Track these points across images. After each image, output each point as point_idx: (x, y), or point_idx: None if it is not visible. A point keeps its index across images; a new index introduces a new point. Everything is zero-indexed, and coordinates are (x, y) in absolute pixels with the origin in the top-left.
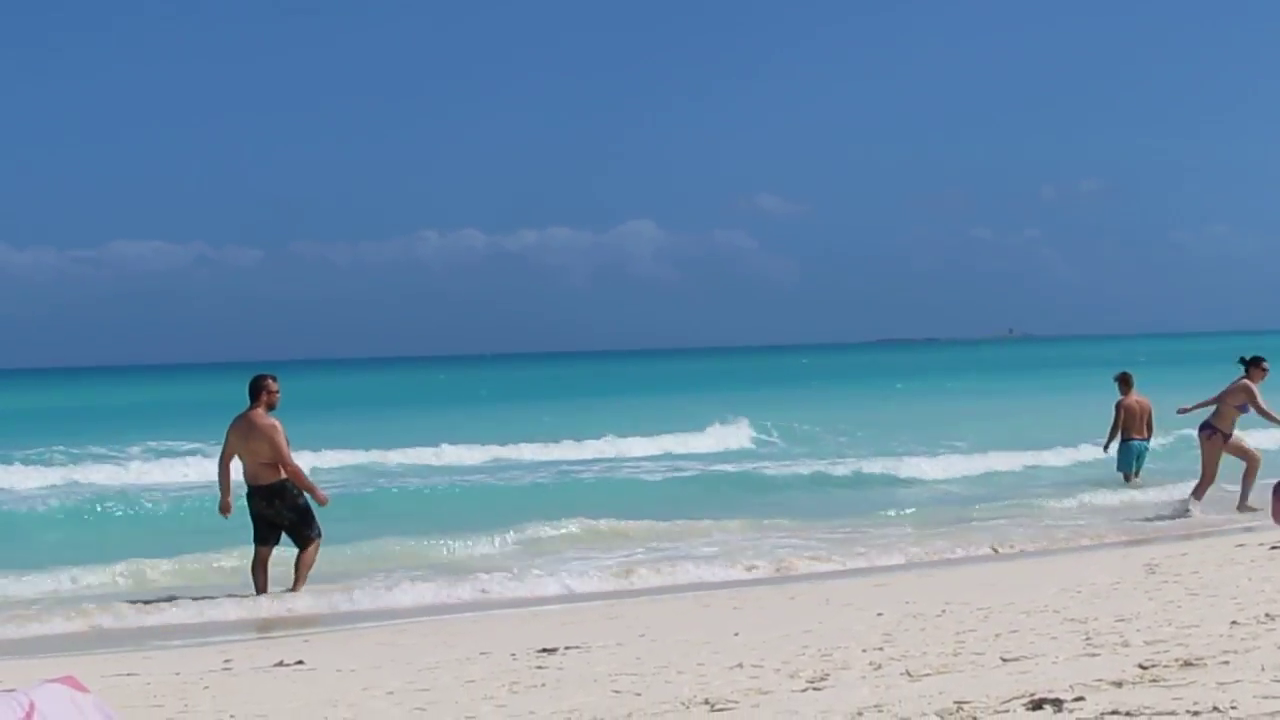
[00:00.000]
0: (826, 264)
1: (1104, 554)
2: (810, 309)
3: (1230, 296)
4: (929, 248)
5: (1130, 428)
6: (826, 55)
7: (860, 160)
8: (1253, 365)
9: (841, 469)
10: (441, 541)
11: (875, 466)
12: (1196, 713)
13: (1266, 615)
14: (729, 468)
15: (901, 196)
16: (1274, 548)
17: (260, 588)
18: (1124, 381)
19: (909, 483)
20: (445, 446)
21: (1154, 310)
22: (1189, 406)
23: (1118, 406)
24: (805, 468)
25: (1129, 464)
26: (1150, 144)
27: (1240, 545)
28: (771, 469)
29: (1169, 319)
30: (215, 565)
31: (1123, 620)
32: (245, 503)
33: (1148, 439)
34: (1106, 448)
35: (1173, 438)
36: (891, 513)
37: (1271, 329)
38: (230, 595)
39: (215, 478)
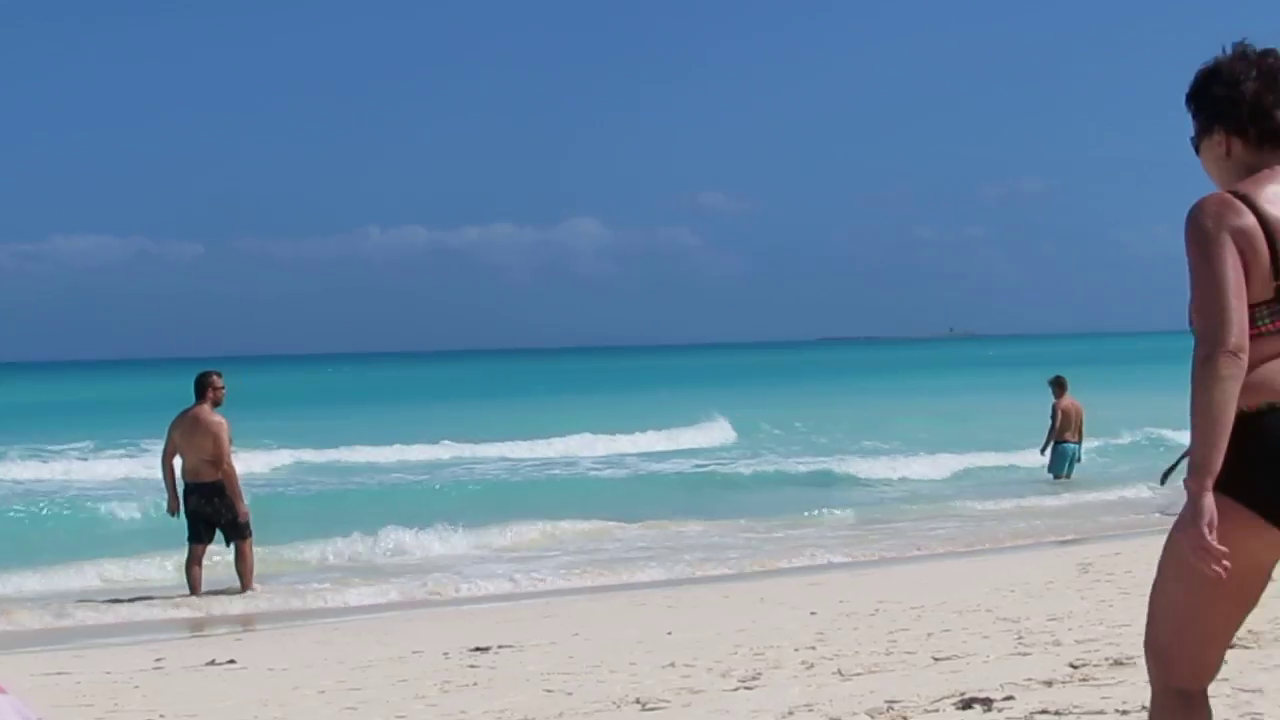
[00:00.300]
0: (770, 262)
1: (1038, 553)
2: (753, 307)
3: (1170, 296)
4: (871, 246)
5: (1064, 430)
6: (770, 54)
7: (804, 159)
8: None
9: (800, 467)
10: (383, 540)
11: (830, 465)
12: (1125, 711)
13: None
14: (686, 466)
15: (845, 195)
16: None
17: (194, 586)
18: (1058, 385)
19: (852, 481)
20: (397, 445)
21: (1095, 309)
22: None
23: (1054, 409)
24: (759, 466)
25: (1061, 467)
26: (1091, 143)
27: None
28: (730, 467)
29: (1110, 318)
30: (149, 563)
31: (1055, 619)
32: (182, 499)
33: (1079, 442)
34: (1044, 450)
35: (1101, 442)
36: (837, 511)
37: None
38: (163, 593)
39: (152, 475)
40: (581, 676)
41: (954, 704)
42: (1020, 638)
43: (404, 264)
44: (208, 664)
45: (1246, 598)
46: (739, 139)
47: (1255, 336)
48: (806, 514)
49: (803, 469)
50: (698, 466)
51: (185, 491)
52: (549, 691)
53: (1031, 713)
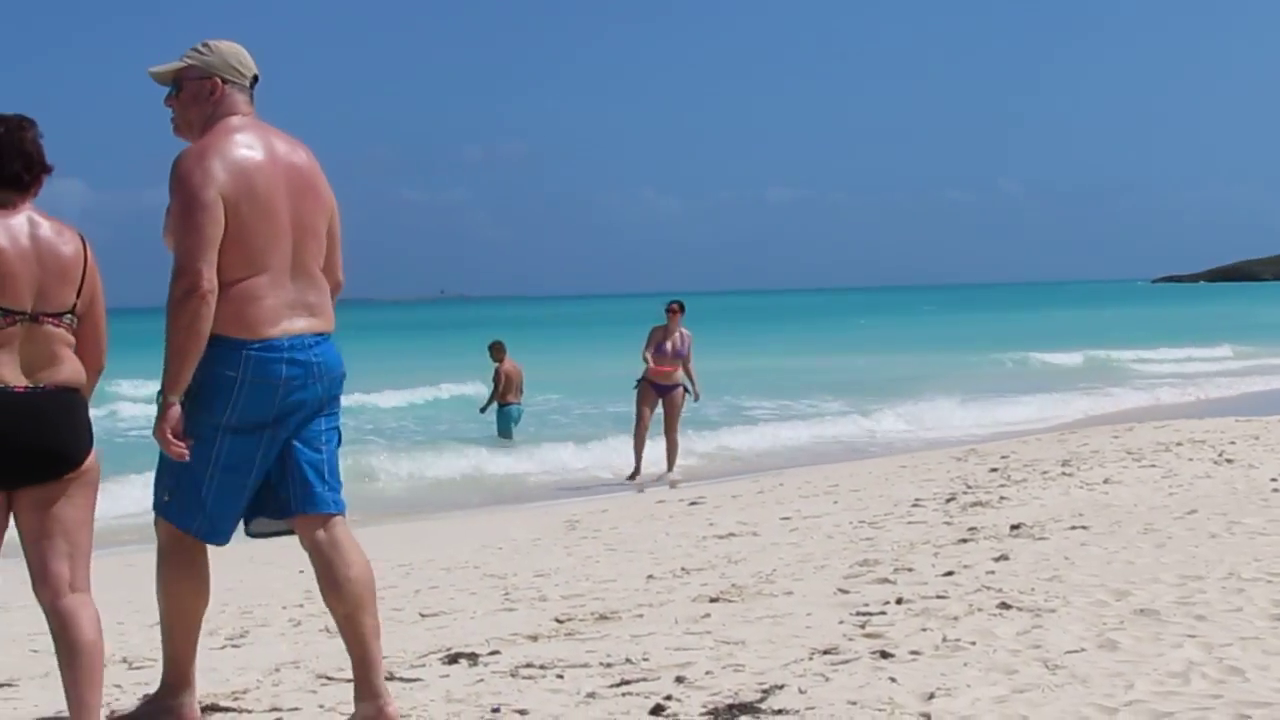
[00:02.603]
0: None
1: (525, 510)
2: None
3: (655, 258)
4: (357, 208)
5: (506, 393)
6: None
7: (282, 118)
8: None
9: None
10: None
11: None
12: (609, 664)
13: (682, 569)
14: None
15: (327, 155)
16: (692, 504)
17: None
18: (498, 349)
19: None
20: None
21: (582, 272)
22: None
23: (497, 373)
24: None
25: (507, 427)
26: (570, 110)
27: (660, 501)
28: None
29: (598, 280)
30: None
31: (541, 575)
32: None
33: (519, 402)
34: (483, 410)
35: (541, 399)
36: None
37: (694, 290)
38: None
39: None
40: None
41: (440, 659)
42: (507, 594)
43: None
44: None
45: None
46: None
47: None
48: None
49: None
50: None
51: None
52: (35, 651)
53: (517, 666)
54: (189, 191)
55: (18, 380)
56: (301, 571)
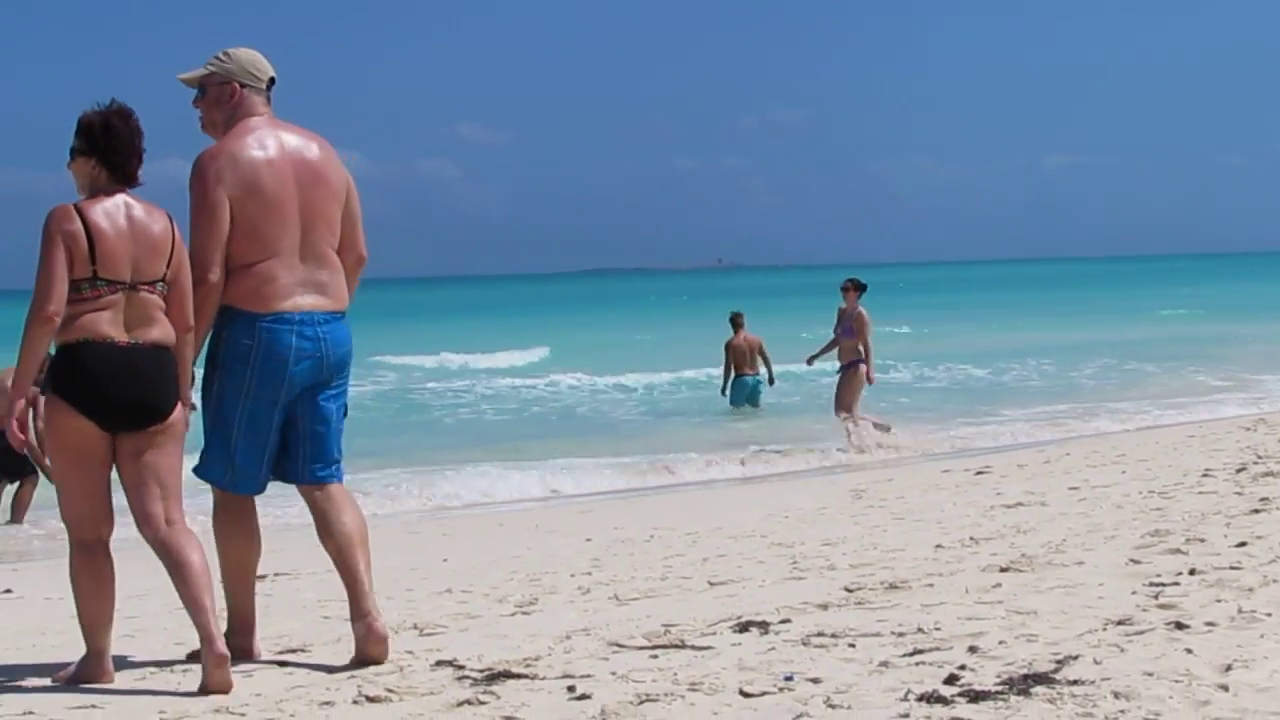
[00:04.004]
0: (531, 193)
1: (810, 480)
2: (517, 238)
3: (931, 227)
4: (633, 178)
5: (741, 365)
6: None
7: (560, 87)
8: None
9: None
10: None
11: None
12: (901, 634)
13: (970, 539)
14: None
15: (603, 125)
16: (978, 473)
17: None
18: (734, 321)
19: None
20: None
21: (858, 240)
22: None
23: (727, 347)
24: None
25: (740, 399)
26: (850, 74)
27: (946, 471)
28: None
29: (873, 249)
30: None
31: (829, 544)
32: None
33: (757, 373)
34: (723, 390)
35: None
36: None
37: (970, 259)
38: None
39: None
40: None
41: (730, 627)
42: (795, 562)
43: (169, 200)
44: None
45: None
46: (494, 68)
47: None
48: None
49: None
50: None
51: None
52: (326, 618)
53: (808, 635)
54: (200, 191)
55: (121, 336)
56: (589, 540)
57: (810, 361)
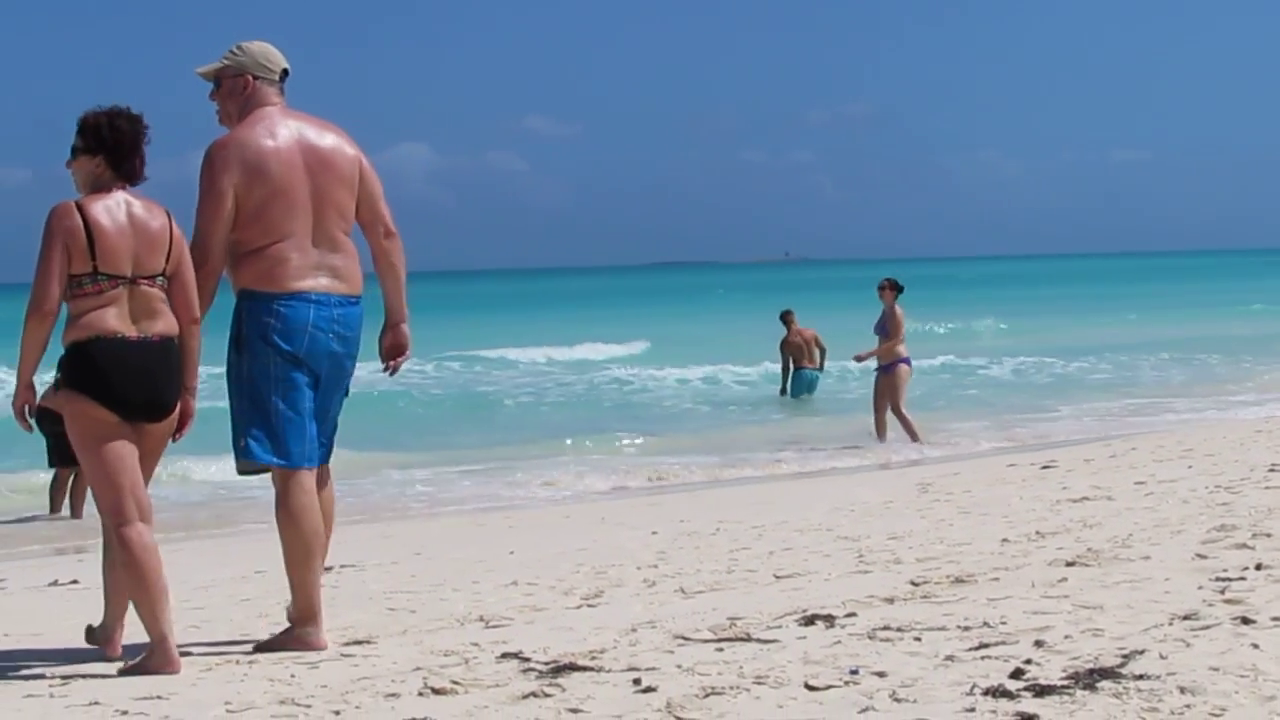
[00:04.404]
0: (598, 185)
1: (876, 474)
2: (584, 231)
3: (998, 221)
4: (700, 170)
5: (801, 358)
6: None
7: (628, 80)
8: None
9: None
10: (221, 463)
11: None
12: (967, 627)
13: (1037, 533)
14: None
15: (670, 118)
16: (1045, 467)
17: (55, 508)
18: (786, 318)
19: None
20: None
21: (924, 234)
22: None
23: (783, 345)
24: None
25: (800, 390)
26: (918, 68)
27: (1012, 465)
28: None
29: (939, 243)
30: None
31: (895, 538)
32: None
33: (816, 366)
34: (783, 390)
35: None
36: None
37: (1036, 253)
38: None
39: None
40: (424, 595)
41: (797, 620)
42: (861, 556)
43: None
44: (50, 584)
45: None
46: (562, 61)
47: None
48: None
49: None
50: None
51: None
52: (392, 610)
53: (874, 629)
54: (206, 180)
55: (130, 331)
56: (655, 533)
57: (860, 359)
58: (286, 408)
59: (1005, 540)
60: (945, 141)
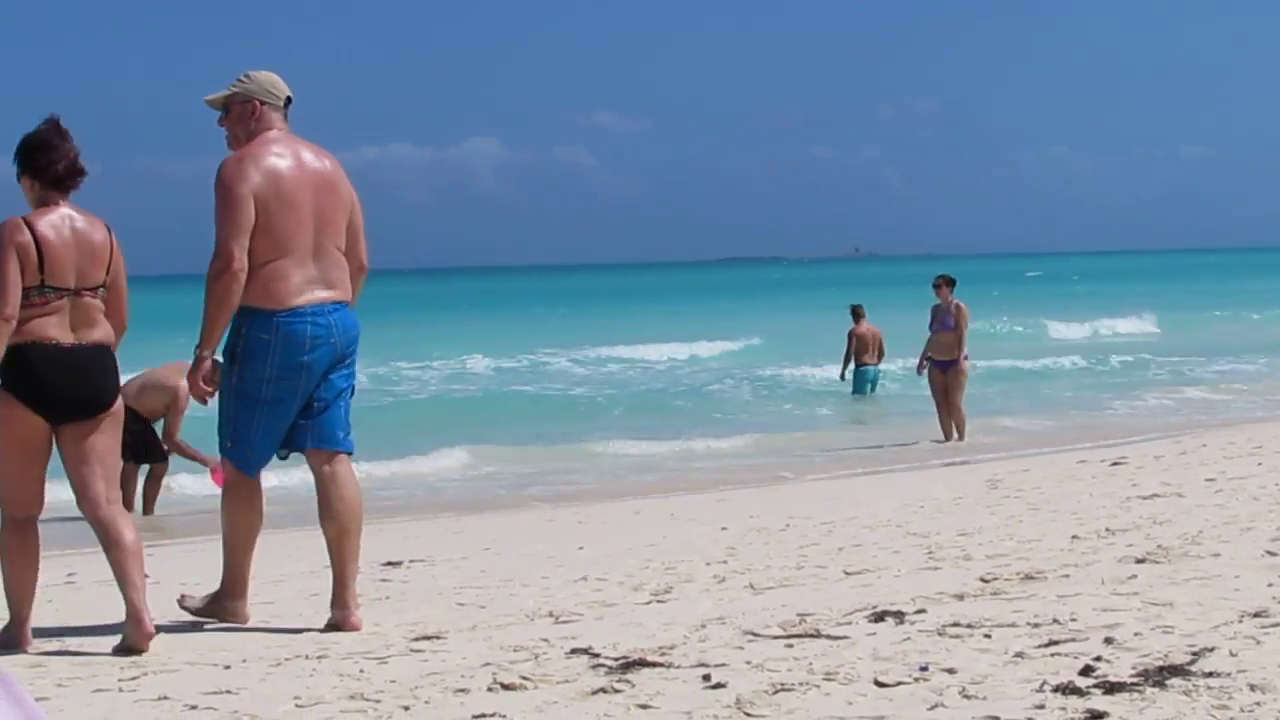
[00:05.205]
0: (667, 181)
1: (946, 470)
2: (653, 226)
3: (1068, 216)
4: (769, 166)
5: (862, 354)
6: None
7: (698, 77)
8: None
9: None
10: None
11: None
12: (1037, 624)
13: (1106, 530)
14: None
15: (739, 114)
16: (1114, 464)
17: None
18: (855, 312)
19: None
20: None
21: (993, 229)
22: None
23: (850, 335)
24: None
25: (862, 387)
26: (987, 63)
27: (1081, 462)
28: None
29: (1010, 239)
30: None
31: (964, 535)
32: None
33: (878, 364)
34: (842, 376)
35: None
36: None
37: (1108, 249)
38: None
39: None
40: (493, 590)
41: (866, 616)
42: (930, 552)
43: None
44: None
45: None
46: (632, 57)
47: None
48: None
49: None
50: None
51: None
52: (461, 605)
53: (944, 625)
54: (226, 188)
55: (66, 338)
56: (724, 529)
57: (921, 369)
58: (269, 423)
59: (1075, 537)
60: (1013, 137)
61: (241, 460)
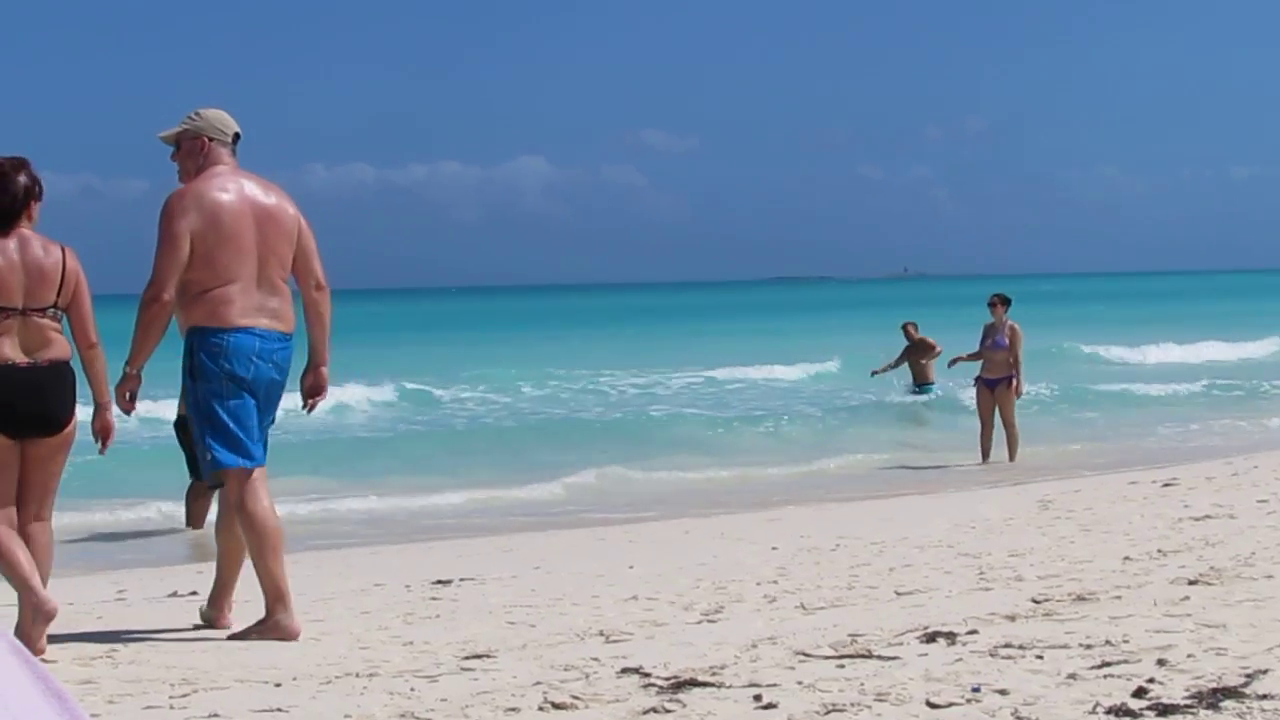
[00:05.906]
0: (715, 200)
1: (997, 491)
2: (700, 246)
3: (1117, 237)
4: (818, 186)
5: (923, 372)
6: None
7: (745, 95)
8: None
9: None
10: (383, 480)
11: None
12: (1089, 645)
13: (1159, 551)
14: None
15: (787, 133)
16: (1166, 485)
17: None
18: (908, 332)
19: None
20: (351, 384)
21: (1043, 250)
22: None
23: (911, 344)
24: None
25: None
26: (1036, 83)
27: (1133, 483)
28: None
29: (1059, 258)
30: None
31: (1016, 555)
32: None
33: (933, 381)
34: (875, 373)
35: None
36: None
37: (1158, 269)
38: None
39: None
40: (543, 609)
41: (917, 637)
42: (982, 573)
43: (351, 202)
44: (169, 595)
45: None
46: (679, 76)
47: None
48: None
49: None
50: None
51: (175, 423)
52: (512, 624)
53: (995, 646)
54: (165, 224)
55: (20, 358)
56: (775, 548)
57: (953, 363)
58: (238, 421)
59: (1127, 558)
60: (1062, 157)
61: (235, 456)
